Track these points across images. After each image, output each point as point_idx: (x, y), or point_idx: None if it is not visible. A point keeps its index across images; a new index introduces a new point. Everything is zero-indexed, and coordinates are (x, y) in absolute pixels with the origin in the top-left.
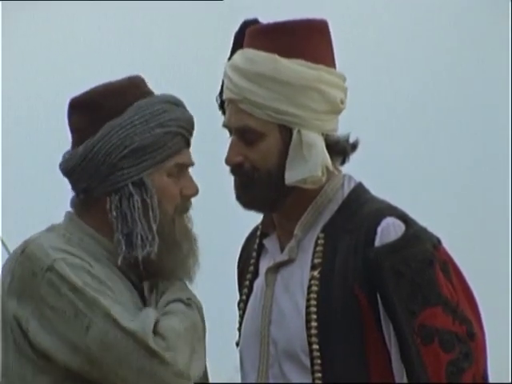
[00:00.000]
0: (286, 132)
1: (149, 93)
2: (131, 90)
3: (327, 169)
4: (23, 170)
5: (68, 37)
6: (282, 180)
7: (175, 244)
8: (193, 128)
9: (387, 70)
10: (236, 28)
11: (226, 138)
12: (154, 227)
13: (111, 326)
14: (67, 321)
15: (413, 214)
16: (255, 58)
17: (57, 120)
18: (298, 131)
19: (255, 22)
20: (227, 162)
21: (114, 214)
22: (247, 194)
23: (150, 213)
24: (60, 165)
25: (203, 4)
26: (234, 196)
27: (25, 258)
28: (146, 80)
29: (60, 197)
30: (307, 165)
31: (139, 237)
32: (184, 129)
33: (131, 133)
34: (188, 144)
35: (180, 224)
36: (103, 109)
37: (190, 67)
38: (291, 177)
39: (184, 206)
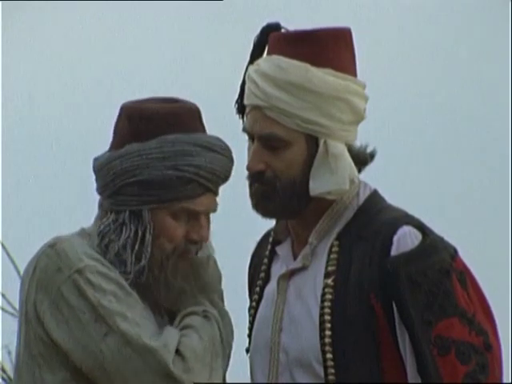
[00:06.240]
0: (312, 142)
1: (191, 129)
2: (171, 120)
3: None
4: (24, 172)
5: (69, 37)
6: (305, 190)
7: (165, 282)
8: (222, 176)
9: (385, 69)
10: (234, 28)
11: (231, 140)
12: (143, 260)
13: (132, 339)
14: (86, 323)
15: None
16: (286, 66)
17: (58, 120)
18: (325, 141)
19: (277, 26)
20: (249, 168)
21: (108, 228)
22: (268, 204)
23: (137, 246)
24: (93, 160)
25: (203, 4)
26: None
27: (54, 252)
28: (150, 82)
29: (61, 200)
30: (334, 177)
31: (124, 261)
32: (204, 178)
33: (144, 164)
34: (209, 190)
35: (174, 264)
36: (137, 128)
37: (192, 69)
38: (316, 188)
39: (186, 248)
